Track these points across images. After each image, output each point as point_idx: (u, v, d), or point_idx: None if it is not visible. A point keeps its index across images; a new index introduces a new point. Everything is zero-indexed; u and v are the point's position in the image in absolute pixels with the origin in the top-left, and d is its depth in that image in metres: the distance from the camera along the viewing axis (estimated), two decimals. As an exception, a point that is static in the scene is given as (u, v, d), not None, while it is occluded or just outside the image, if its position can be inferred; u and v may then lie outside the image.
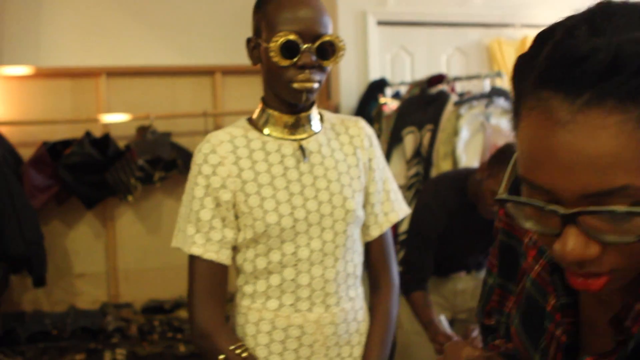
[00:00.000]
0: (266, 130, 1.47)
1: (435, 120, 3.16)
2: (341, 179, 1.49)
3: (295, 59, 1.36)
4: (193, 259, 1.42)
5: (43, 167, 3.71)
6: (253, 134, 1.47)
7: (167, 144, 3.94)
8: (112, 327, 3.64)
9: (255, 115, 1.51)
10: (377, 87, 4.05)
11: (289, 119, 1.46)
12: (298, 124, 1.48)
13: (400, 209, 1.62)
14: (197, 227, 1.40)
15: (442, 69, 4.29)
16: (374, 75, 4.14)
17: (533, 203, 0.63)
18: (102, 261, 4.15)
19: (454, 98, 3.21)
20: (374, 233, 1.60)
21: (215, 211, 1.41)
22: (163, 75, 4.21)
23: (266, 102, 1.49)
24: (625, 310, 0.68)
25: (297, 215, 1.43)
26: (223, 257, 1.42)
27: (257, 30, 1.43)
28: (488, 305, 0.98)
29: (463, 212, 2.39)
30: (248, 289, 1.46)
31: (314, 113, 1.51)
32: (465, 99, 3.13)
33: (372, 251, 1.61)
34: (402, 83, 4.00)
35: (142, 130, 3.95)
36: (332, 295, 1.47)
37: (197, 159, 1.43)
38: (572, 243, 0.61)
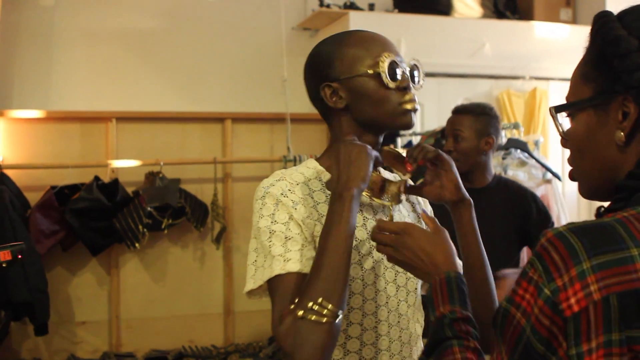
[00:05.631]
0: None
1: (452, 171, 3.13)
2: None
3: (398, 81, 1.24)
4: (281, 277, 1.16)
5: (50, 212, 3.65)
6: (327, 176, 1.30)
7: (176, 191, 3.89)
8: (114, 379, 3.53)
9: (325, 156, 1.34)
10: (389, 137, 4.04)
11: None
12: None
13: None
14: (287, 245, 1.18)
15: (452, 119, 4.27)
16: (385, 124, 4.13)
17: None
18: (105, 309, 4.05)
19: (470, 149, 3.18)
20: None
21: (303, 233, 1.20)
22: (173, 122, 4.20)
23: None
24: None
25: (378, 272, 1.28)
26: None
27: (327, 77, 1.27)
28: None
29: None
30: None
31: None
32: (482, 150, 3.10)
33: None
34: (414, 133, 3.99)
35: (151, 176, 3.90)
36: (407, 359, 1.32)
37: (274, 191, 1.22)
38: None
